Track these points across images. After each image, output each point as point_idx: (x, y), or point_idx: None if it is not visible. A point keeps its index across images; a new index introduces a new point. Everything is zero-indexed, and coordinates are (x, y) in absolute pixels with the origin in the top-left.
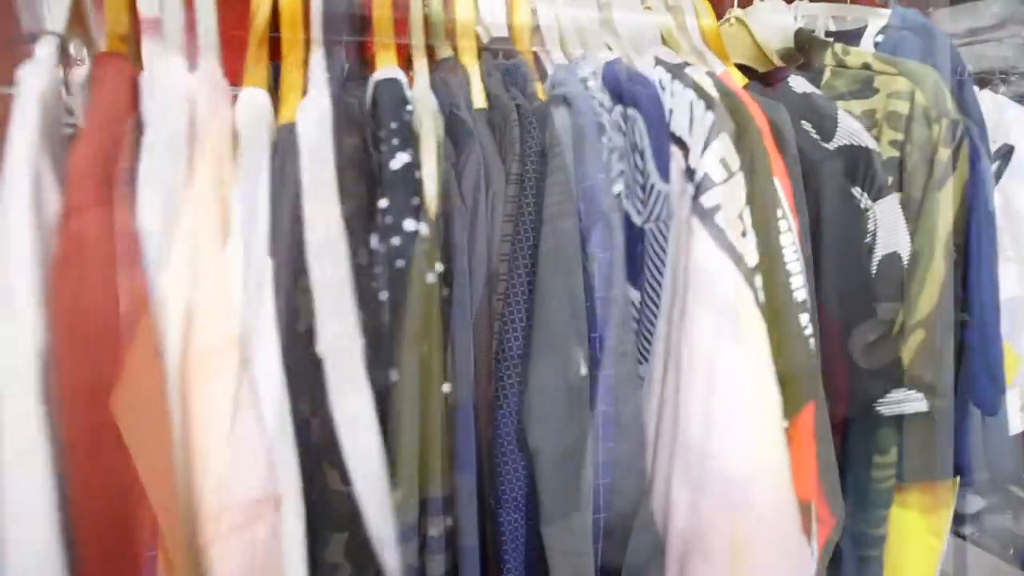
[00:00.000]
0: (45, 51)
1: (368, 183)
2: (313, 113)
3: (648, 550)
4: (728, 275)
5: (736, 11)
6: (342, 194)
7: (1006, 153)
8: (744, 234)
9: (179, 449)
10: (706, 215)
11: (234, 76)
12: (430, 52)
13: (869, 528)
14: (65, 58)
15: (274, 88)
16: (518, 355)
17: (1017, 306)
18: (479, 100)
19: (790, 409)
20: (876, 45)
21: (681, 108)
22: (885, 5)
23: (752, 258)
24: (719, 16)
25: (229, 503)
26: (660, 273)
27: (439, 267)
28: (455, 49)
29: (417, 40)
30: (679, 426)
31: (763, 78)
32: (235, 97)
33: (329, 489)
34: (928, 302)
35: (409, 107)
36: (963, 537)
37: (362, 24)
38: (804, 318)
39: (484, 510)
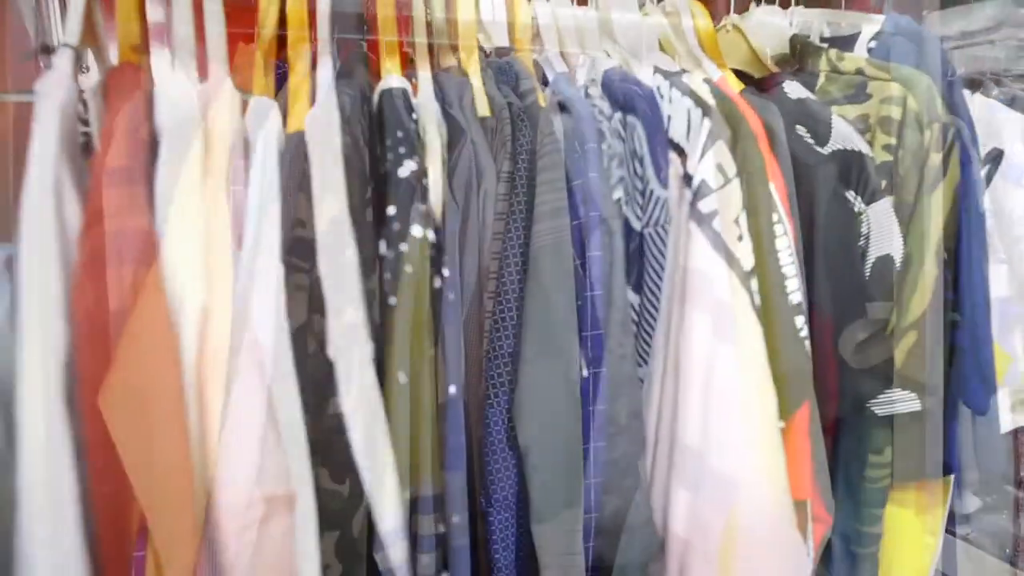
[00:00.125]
0: (62, 63)
1: (370, 184)
2: (323, 123)
3: (641, 550)
4: (725, 278)
5: (732, 17)
6: (351, 200)
7: (995, 157)
8: (740, 238)
9: (195, 448)
10: (703, 220)
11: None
12: (432, 56)
13: (865, 526)
14: (79, 68)
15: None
16: (509, 353)
17: (1007, 306)
18: (483, 108)
19: (786, 409)
20: (870, 51)
21: (679, 115)
22: (879, 11)
23: (748, 262)
24: (715, 22)
25: (244, 501)
26: (659, 277)
27: (446, 272)
28: (457, 58)
29: (421, 48)
30: (677, 427)
31: (759, 83)
32: (244, 103)
33: (319, 488)
34: (920, 304)
35: (414, 115)
36: (956, 535)
37: (360, 23)
38: (799, 320)
39: (475, 509)
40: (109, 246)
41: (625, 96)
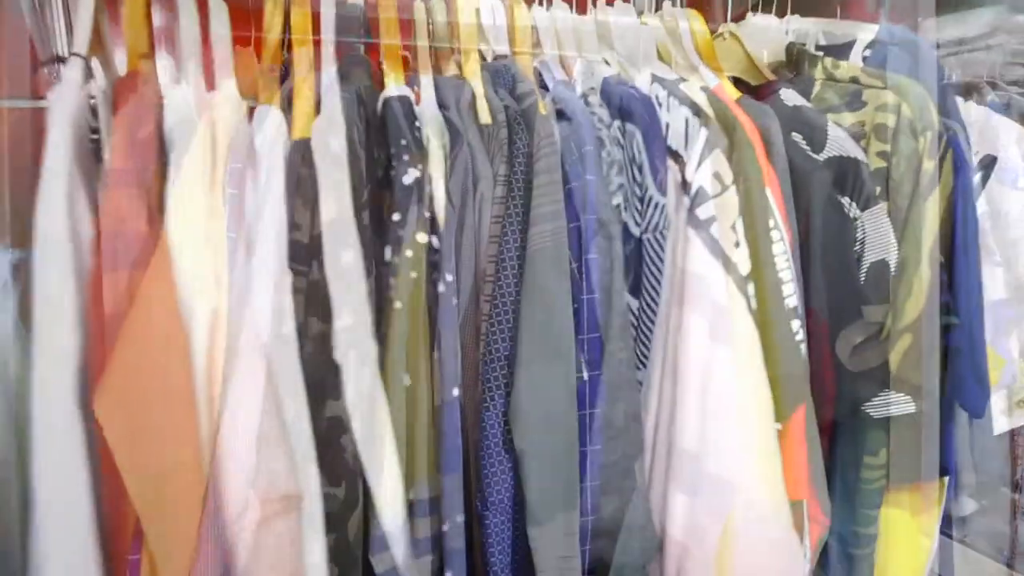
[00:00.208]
0: (73, 73)
1: (366, 187)
2: (329, 132)
3: (639, 551)
4: (722, 283)
5: (729, 25)
6: (356, 206)
7: (988, 163)
8: (737, 244)
9: (192, 451)
10: (701, 226)
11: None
12: (434, 61)
13: (860, 528)
14: (87, 76)
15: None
16: (505, 356)
17: (1003, 309)
18: (484, 114)
19: (782, 412)
20: (864, 59)
21: (677, 123)
22: (875, 20)
23: (745, 267)
24: (712, 31)
25: (241, 504)
26: (657, 282)
27: (449, 277)
28: (457, 62)
29: (423, 57)
30: (674, 430)
31: (755, 91)
32: (250, 110)
33: None
34: (915, 308)
35: (417, 123)
36: (951, 538)
37: (361, 28)
38: (795, 324)
39: (471, 512)
40: (116, 250)
41: (624, 104)
